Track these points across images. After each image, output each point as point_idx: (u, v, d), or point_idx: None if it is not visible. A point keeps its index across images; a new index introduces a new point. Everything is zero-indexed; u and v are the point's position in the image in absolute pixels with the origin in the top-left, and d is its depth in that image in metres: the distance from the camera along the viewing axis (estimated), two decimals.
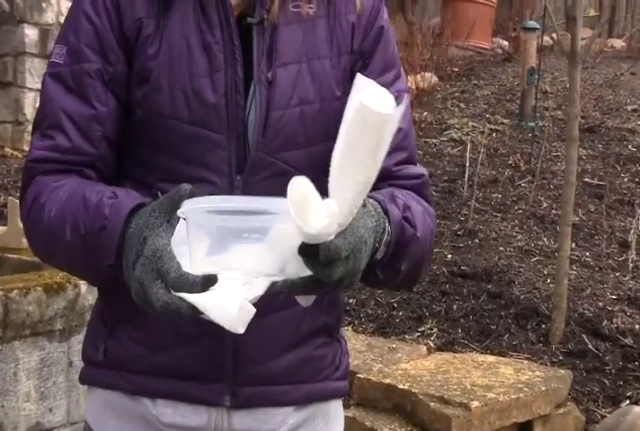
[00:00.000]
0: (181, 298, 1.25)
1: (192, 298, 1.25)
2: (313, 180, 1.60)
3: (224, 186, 1.55)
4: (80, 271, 1.53)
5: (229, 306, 1.26)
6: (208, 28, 1.54)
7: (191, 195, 1.29)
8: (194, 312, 1.26)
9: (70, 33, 1.57)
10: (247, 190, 1.55)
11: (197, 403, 1.58)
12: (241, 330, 1.27)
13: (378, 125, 1.21)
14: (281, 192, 1.54)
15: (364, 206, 1.34)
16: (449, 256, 5.41)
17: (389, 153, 1.53)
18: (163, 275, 1.26)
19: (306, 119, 1.56)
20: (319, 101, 1.57)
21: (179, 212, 1.29)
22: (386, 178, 1.55)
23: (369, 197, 1.39)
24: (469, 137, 7.19)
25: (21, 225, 1.69)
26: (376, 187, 1.46)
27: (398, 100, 1.32)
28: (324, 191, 1.42)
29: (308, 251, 1.25)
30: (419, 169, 1.66)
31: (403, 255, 1.48)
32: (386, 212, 1.44)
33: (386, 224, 1.43)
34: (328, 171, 1.63)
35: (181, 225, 1.31)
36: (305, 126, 1.57)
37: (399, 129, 1.62)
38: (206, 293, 1.25)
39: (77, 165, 1.54)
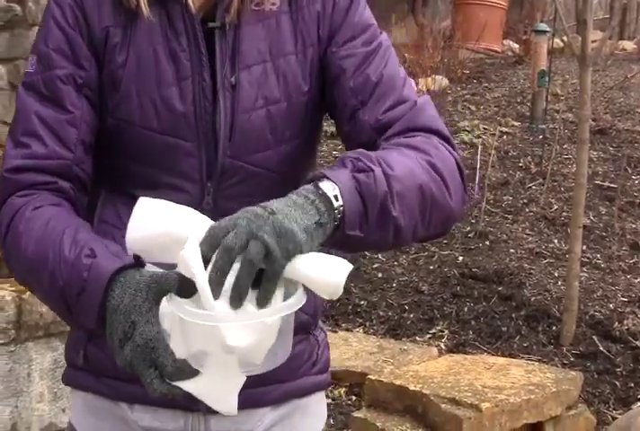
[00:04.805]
0: (178, 387, 1.27)
1: (189, 387, 1.27)
2: (285, 177, 1.60)
3: (195, 193, 1.55)
4: (58, 313, 1.47)
5: (227, 396, 1.29)
6: (175, 36, 1.53)
7: (181, 284, 1.27)
8: (190, 397, 1.28)
9: (41, 42, 1.56)
10: (219, 196, 1.56)
11: (174, 408, 1.58)
12: (235, 412, 1.32)
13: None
14: (253, 195, 1.49)
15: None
16: (460, 258, 5.42)
17: (371, 108, 1.52)
18: (158, 366, 1.26)
19: (274, 119, 1.55)
20: (286, 98, 1.56)
21: (175, 310, 1.26)
22: (379, 132, 1.53)
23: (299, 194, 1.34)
24: (480, 140, 7.19)
25: None
26: (375, 146, 1.48)
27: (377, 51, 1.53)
28: (297, 186, 1.38)
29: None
30: (408, 98, 1.57)
31: (385, 201, 1.38)
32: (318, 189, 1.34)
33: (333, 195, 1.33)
34: (300, 166, 1.62)
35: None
36: (273, 126, 1.55)
37: (370, 80, 1.57)
38: (202, 379, 1.26)
39: (53, 173, 1.52)
